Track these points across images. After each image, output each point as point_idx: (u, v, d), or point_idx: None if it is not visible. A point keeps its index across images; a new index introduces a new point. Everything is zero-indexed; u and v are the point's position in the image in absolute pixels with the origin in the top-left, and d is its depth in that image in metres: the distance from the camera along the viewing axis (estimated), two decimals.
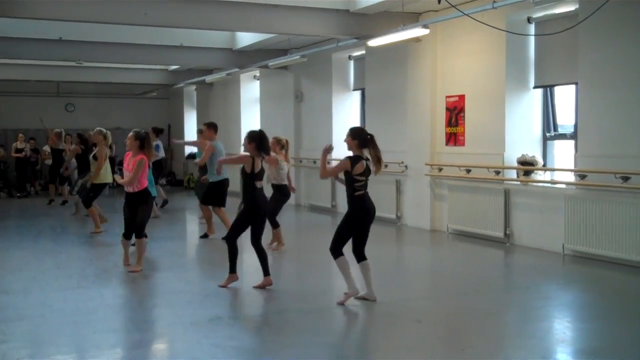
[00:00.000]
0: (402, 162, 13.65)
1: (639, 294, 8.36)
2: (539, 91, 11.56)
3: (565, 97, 11.37)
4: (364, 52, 15.27)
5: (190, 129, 25.72)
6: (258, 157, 8.05)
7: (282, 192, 10.89)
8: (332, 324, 6.97)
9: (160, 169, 17.33)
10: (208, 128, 12.02)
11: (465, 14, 10.18)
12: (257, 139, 8.10)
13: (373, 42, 12.67)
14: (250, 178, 8.03)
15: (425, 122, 13.02)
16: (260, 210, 8.09)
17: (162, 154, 17.02)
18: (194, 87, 24.85)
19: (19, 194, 20.77)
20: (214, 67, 20.34)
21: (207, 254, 11.16)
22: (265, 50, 16.95)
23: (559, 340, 6.41)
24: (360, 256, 7.59)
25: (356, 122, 16.59)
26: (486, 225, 11.59)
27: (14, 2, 10.68)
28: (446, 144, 12.71)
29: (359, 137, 7.46)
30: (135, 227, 9.24)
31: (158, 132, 16.80)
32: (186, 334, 6.49)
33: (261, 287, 8.09)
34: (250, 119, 20.93)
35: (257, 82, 21.10)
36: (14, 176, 21.39)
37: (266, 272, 8.15)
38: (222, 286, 8.16)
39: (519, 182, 11.23)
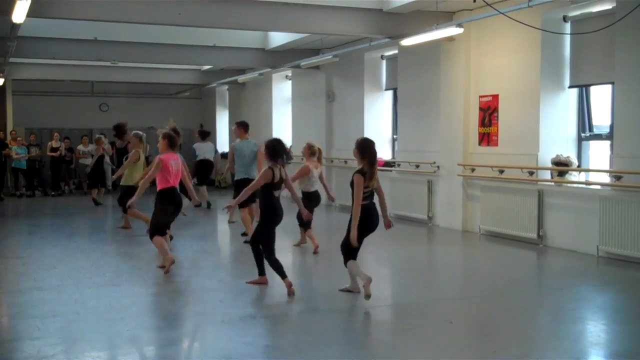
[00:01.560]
0: (434, 163, 13.58)
1: None
2: (575, 91, 11.42)
3: (601, 97, 11.21)
4: (396, 51, 15.21)
5: (222, 129, 25.87)
6: (274, 166, 7.94)
7: (311, 199, 10.75)
8: (361, 324, 6.95)
9: (209, 170, 17.39)
10: (238, 127, 11.91)
11: (500, 13, 10.09)
12: (268, 149, 8.00)
13: (406, 42, 12.62)
14: (266, 187, 7.92)
15: (458, 122, 12.94)
16: (275, 219, 8.04)
17: (206, 155, 17.04)
18: (226, 87, 24.97)
19: (53, 193, 21.05)
20: (247, 67, 20.43)
21: (237, 253, 11.19)
22: (297, 50, 16.99)
23: (593, 343, 6.32)
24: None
25: (388, 122, 16.58)
26: (519, 227, 11.48)
27: (50, 3, 10.82)
28: (479, 144, 12.62)
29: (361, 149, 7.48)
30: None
31: (205, 134, 16.94)
32: (218, 332, 6.52)
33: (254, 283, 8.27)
34: (282, 119, 21.00)
35: (289, 82, 21.13)
36: (48, 175, 21.69)
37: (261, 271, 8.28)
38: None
39: (553, 183, 11.10)
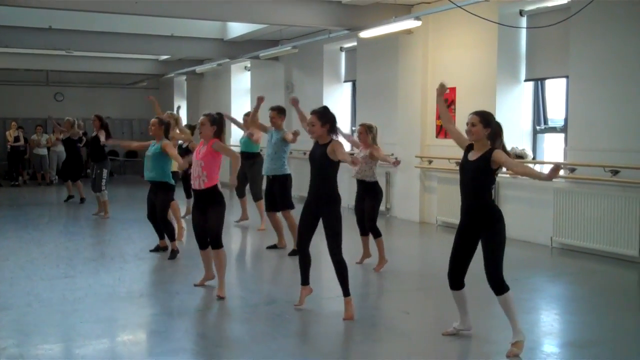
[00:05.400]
0: (392, 154, 13.60)
1: (627, 286, 8.40)
2: (530, 84, 11.56)
3: (556, 90, 11.38)
4: (355, 43, 15.23)
5: (181, 119, 25.63)
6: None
7: None
8: (319, 316, 6.93)
9: None
10: (278, 113, 10.26)
11: (457, 6, 10.14)
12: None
13: (365, 34, 12.64)
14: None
15: (415, 114, 13.01)
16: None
17: None
18: (184, 77, 24.73)
19: (12, 183, 20.64)
20: (205, 57, 20.26)
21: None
22: (256, 41, 16.90)
23: (546, 333, 6.42)
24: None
25: (347, 114, 16.60)
26: None
27: None
28: (436, 137, 12.71)
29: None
30: (208, 236, 7.38)
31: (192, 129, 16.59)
32: (173, 324, 6.47)
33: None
34: (241, 110, 20.81)
35: (248, 73, 21.02)
36: (4, 165, 21.24)
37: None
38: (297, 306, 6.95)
39: (508, 175, 11.21)
